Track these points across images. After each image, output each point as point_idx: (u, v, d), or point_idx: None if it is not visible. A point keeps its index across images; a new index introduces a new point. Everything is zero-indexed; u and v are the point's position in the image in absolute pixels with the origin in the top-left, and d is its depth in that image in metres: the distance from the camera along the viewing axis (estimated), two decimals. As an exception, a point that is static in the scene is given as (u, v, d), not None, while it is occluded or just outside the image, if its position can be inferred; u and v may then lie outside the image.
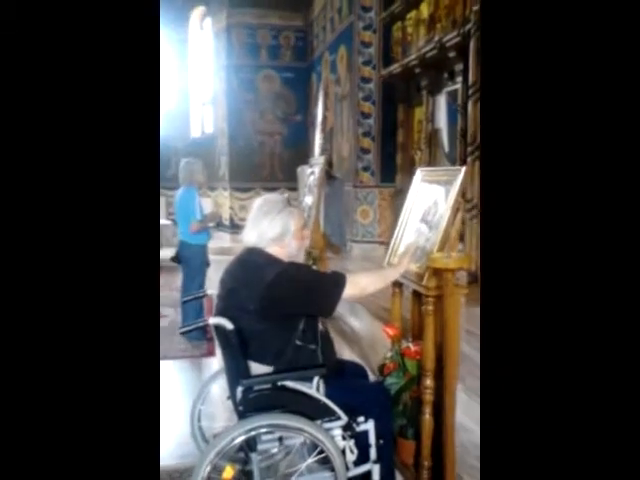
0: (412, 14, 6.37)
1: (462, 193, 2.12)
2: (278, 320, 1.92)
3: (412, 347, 2.28)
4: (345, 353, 3.69)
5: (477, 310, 1.46)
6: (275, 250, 2.02)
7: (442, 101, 6.14)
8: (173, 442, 2.74)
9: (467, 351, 3.04)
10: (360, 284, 2.05)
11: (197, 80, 11.13)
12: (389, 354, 2.47)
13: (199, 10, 10.81)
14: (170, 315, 5.24)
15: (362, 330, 4.17)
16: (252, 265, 1.98)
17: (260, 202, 2.08)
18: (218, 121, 10.64)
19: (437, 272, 2.03)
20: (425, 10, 6.03)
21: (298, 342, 1.93)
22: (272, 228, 2.00)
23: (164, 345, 4.40)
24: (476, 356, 2.91)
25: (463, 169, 2.10)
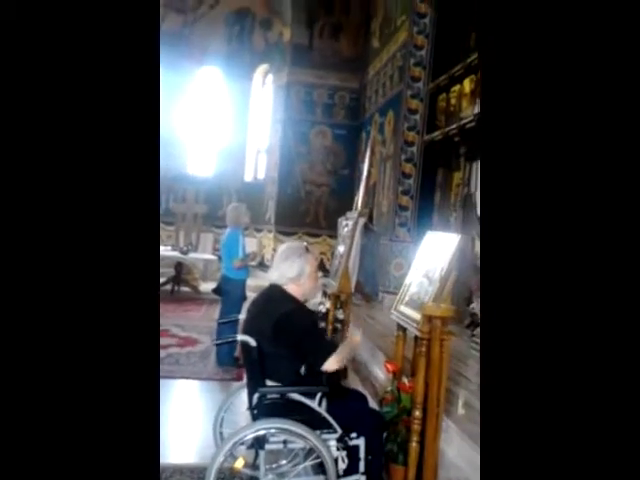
0: (456, 88, 6.90)
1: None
2: (287, 348, 2.35)
3: (407, 382, 2.66)
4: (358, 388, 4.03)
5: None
6: (292, 288, 2.48)
7: (479, 168, 6.57)
8: (197, 446, 3.16)
9: (471, 400, 3.34)
10: (336, 362, 2.37)
11: (255, 130, 11.97)
12: (389, 388, 2.85)
13: (263, 67, 11.74)
14: (206, 342, 5.70)
15: (378, 372, 4.50)
16: (271, 298, 2.46)
17: (283, 248, 2.58)
18: (270, 169, 11.38)
19: (429, 319, 2.43)
20: (467, 86, 6.56)
21: (302, 371, 2.36)
22: (291, 270, 2.46)
23: (198, 367, 4.89)
24: (477, 404, 3.22)
25: (459, 237, 2.52)
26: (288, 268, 2.47)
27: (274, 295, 2.48)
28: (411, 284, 2.88)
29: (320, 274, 2.82)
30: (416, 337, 2.74)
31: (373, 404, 3.06)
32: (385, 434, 2.73)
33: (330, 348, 2.40)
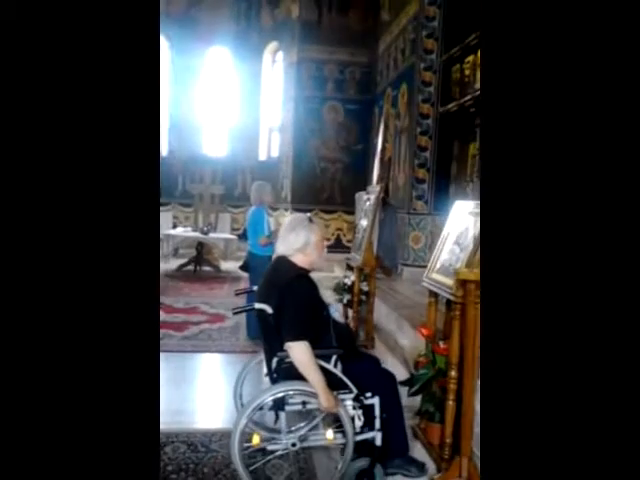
0: (470, 58, 6.89)
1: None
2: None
3: (442, 345, 2.79)
4: (388, 359, 4.18)
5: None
6: (300, 258, 2.59)
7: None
8: (225, 413, 3.35)
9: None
10: (305, 356, 2.31)
11: (267, 108, 11.99)
12: (423, 352, 2.99)
13: (272, 45, 11.71)
14: (234, 318, 5.87)
15: (404, 340, 4.65)
16: (277, 269, 2.59)
17: (288, 219, 2.70)
18: (284, 147, 11.44)
19: (463, 284, 2.54)
20: (481, 55, 6.56)
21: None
22: (297, 240, 2.57)
23: (231, 341, 5.08)
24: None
25: (489, 203, 2.61)
26: (295, 239, 2.57)
27: (281, 266, 2.59)
28: (442, 252, 2.99)
29: (325, 243, 2.90)
30: (449, 302, 2.86)
31: (401, 369, 3.20)
32: (420, 396, 2.88)
33: (303, 333, 2.33)
